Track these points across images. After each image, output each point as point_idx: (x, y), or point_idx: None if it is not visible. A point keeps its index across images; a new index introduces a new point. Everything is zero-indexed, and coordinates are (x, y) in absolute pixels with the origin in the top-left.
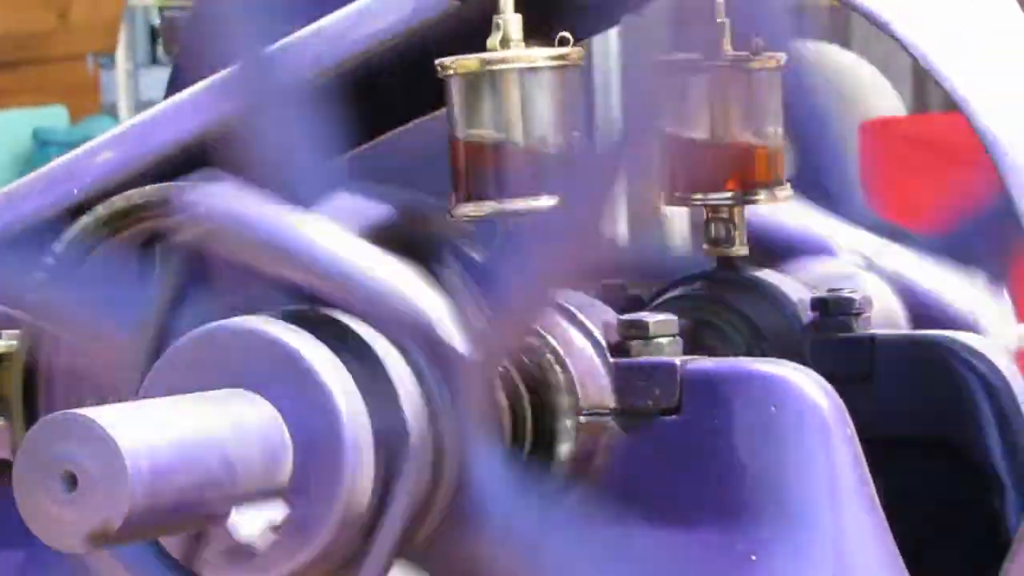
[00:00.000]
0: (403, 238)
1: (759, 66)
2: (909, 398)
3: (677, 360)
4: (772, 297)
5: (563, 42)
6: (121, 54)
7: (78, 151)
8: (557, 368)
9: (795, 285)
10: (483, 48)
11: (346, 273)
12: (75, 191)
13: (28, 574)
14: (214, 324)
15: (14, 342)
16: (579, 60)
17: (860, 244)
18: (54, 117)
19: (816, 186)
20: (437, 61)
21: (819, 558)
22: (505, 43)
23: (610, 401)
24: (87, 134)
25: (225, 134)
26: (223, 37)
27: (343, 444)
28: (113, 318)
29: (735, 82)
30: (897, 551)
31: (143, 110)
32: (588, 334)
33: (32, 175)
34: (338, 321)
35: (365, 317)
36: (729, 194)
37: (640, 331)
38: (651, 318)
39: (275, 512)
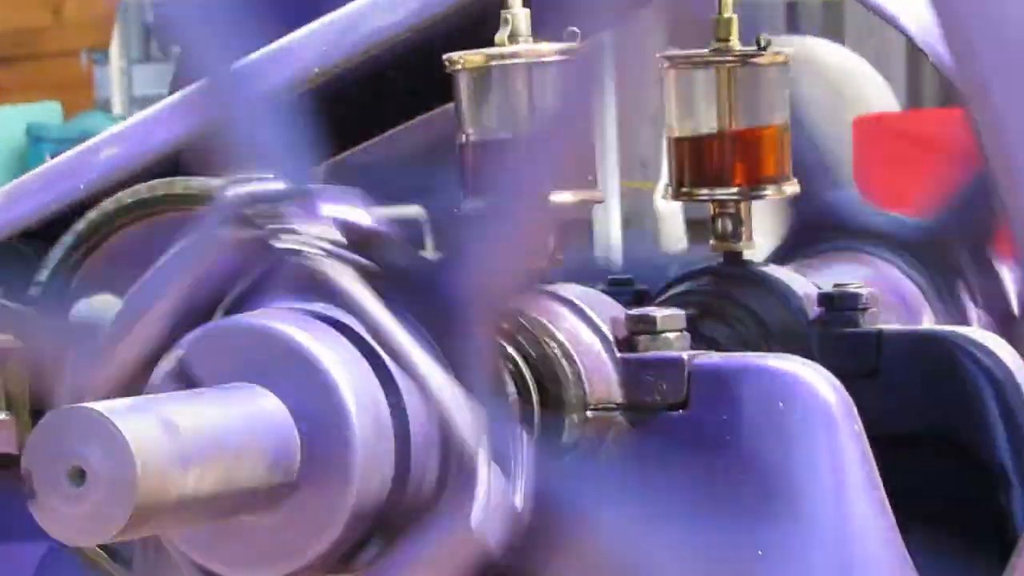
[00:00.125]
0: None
1: (766, 61)
2: (915, 394)
3: (685, 355)
4: (779, 292)
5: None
6: (115, 50)
7: (78, 148)
8: (564, 362)
9: (801, 280)
10: (491, 43)
11: None
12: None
13: (37, 569)
14: (223, 320)
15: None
16: None
17: None
18: (48, 113)
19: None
20: (445, 56)
21: (826, 554)
22: (513, 38)
23: (617, 396)
24: (81, 130)
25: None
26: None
27: (352, 439)
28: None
29: (742, 77)
30: (904, 548)
31: (137, 106)
32: (596, 329)
33: (37, 170)
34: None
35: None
36: (736, 189)
37: (648, 326)
38: (659, 313)
39: None
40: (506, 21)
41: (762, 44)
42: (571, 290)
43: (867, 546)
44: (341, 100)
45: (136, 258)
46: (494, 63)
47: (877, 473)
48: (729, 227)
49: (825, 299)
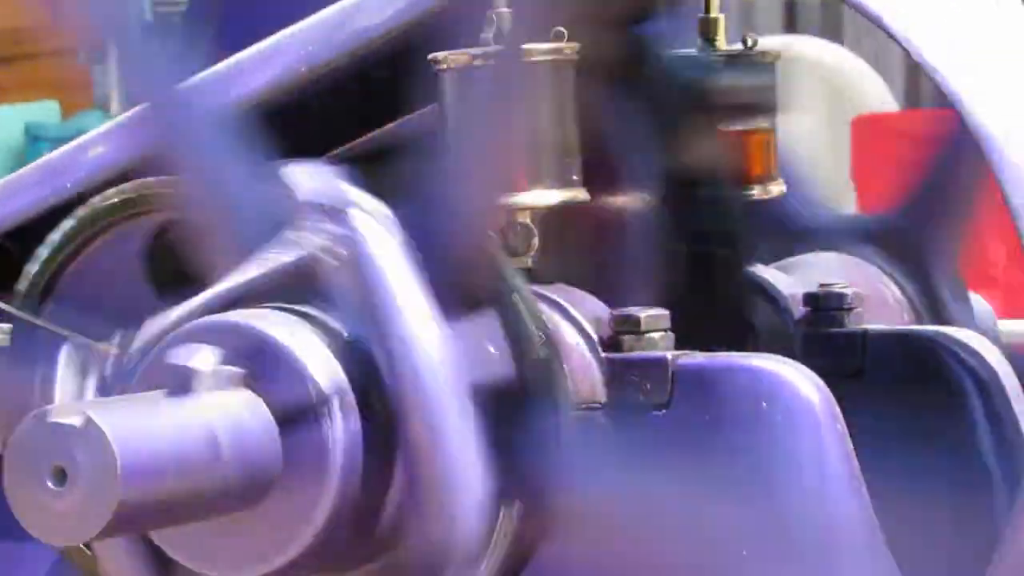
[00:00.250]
0: None
1: (755, 60)
2: (900, 393)
3: (669, 355)
4: (764, 292)
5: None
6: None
7: (66, 146)
8: (549, 362)
9: (787, 280)
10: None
11: None
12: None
13: (16, 568)
14: (203, 319)
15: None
16: (574, 55)
17: None
18: (46, 112)
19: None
20: (430, 56)
21: (809, 553)
22: (499, 37)
23: (602, 395)
24: (79, 129)
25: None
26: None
27: (332, 437)
28: None
29: (729, 76)
30: (887, 547)
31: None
32: (580, 329)
33: (25, 168)
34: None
35: None
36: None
37: (632, 326)
38: (643, 313)
39: None
40: (491, 21)
41: (749, 44)
42: (555, 290)
43: (849, 544)
44: (327, 99)
45: (123, 257)
46: (478, 62)
47: (860, 472)
48: None
49: (810, 299)
